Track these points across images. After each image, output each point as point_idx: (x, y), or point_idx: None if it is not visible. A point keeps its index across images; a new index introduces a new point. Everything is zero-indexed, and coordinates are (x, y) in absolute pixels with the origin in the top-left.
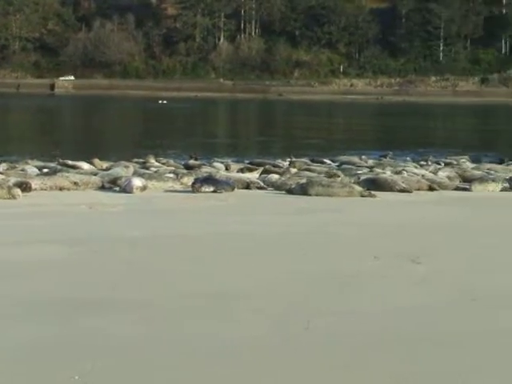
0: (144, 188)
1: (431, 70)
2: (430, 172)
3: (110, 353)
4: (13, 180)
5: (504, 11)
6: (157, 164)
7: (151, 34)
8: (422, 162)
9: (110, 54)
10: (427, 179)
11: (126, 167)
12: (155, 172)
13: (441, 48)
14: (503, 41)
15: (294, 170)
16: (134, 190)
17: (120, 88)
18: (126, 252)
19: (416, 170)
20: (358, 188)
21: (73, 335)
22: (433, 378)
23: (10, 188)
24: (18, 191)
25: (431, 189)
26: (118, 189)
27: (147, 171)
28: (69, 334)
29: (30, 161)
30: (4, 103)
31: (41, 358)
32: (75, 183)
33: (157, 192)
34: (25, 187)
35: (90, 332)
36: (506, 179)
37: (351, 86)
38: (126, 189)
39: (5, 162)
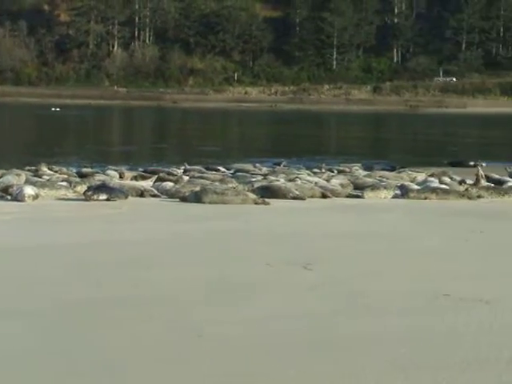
0: (36, 196)
1: (324, 79)
2: (323, 179)
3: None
4: None
5: (396, 20)
6: (49, 172)
7: (44, 41)
8: (316, 170)
9: (2, 61)
10: (320, 187)
11: (18, 175)
12: (48, 180)
13: (334, 56)
14: (395, 50)
15: (186, 178)
16: (26, 199)
17: (12, 95)
18: (14, 261)
19: (309, 178)
20: (252, 195)
21: None
22: (324, 381)
23: None
24: None
25: (324, 196)
26: (9, 197)
27: (39, 179)
28: None
29: None
30: None
31: None
32: None
33: (49, 200)
34: None
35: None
36: (398, 186)
37: (245, 93)
38: (18, 197)
39: None
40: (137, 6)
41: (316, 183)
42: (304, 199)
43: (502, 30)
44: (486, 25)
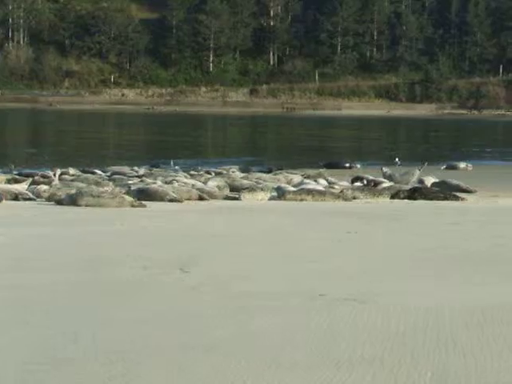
0: None
1: (202, 81)
2: (201, 182)
3: None
4: None
5: (272, 23)
6: None
7: None
8: (193, 172)
9: None
10: (197, 189)
11: None
12: None
13: (211, 59)
14: (271, 52)
15: (57, 182)
16: None
17: None
18: None
19: (186, 180)
20: (129, 198)
21: None
22: (198, 382)
23: None
24: None
25: (201, 198)
26: None
27: None
28: None
29: None
30: None
31: None
32: None
33: None
34: None
35: None
36: (274, 188)
37: (122, 95)
38: None
39: None
40: (10, 7)
41: (193, 185)
42: (181, 201)
43: (375, 33)
44: (360, 28)
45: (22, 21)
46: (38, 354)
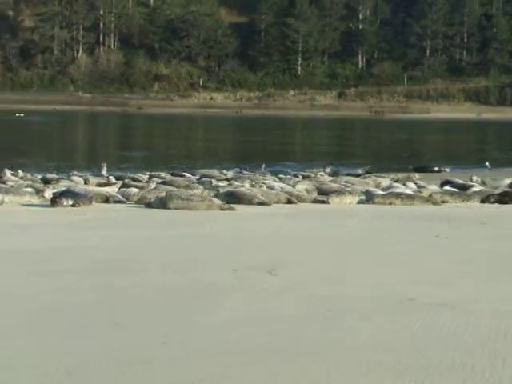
0: (1, 202)
1: (289, 84)
2: (289, 185)
3: None
4: None
5: (360, 26)
6: (13, 178)
7: (8, 46)
8: (281, 175)
9: None
10: (285, 192)
11: None
12: (12, 186)
13: (299, 62)
14: (360, 56)
15: (152, 184)
16: None
17: None
18: None
19: (275, 183)
20: (218, 201)
21: None
22: None
23: None
24: None
25: (289, 202)
26: None
27: (3, 185)
28: None
29: None
30: None
31: None
32: None
33: (14, 206)
34: None
35: None
36: (363, 192)
37: (211, 99)
38: None
39: None
40: (101, 12)
41: (281, 189)
42: (269, 205)
43: (465, 36)
44: (449, 31)
45: (112, 25)
46: (128, 355)
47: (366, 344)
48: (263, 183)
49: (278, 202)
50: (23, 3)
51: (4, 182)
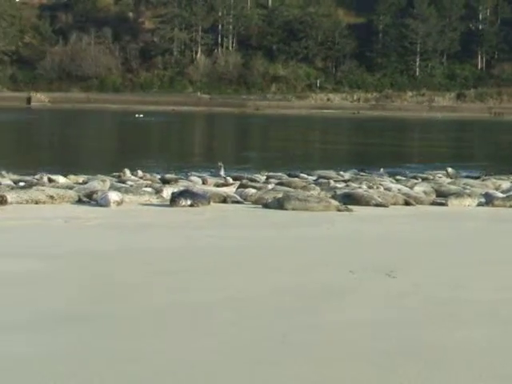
0: (120, 202)
1: (407, 85)
2: (406, 187)
3: (81, 365)
4: None
5: (480, 27)
6: (133, 178)
7: (128, 48)
8: (399, 177)
9: (87, 68)
10: (403, 194)
11: (103, 181)
12: (131, 186)
13: (417, 63)
14: (479, 56)
15: (269, 185)
16: (111, 204)
17: (97, 101)
18: (100, 266)
19: (392, 185)
20: (335, 202)
21: (47, 349)
22: None
23: None
24: None
25: (407, 203)
26: (94, 203)
27: (123, 185)
28: (45, 348)
29: (5, 174)
30: None
31: (18, 373)
32: (51, 197)
33: (133, 206)
34: (0, 201)
35: (62, 344)
36: (482, 194)
37: (328, 100)
38: (103, 203)
39: None
40: (220, 13)
41: (399, 190)
42: (387, 206)
43: None
44: None
45: (231, 27)
46: (246, 355)
47: (483, 351)
48: (380, 185)
49: (395, 204)
50: (143, 5)
51: (124, 182)
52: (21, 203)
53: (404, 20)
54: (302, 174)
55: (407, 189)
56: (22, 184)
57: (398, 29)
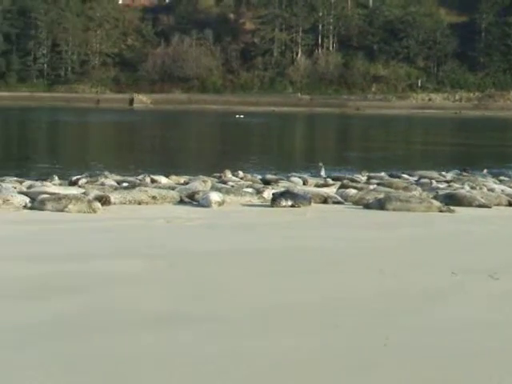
0: (222, 202)
1: (511, 84)
2: (510, 187)
3: (184, 366)
4: (93, 194)
5: None
6: (234, 178)
7: (229, 49)
8: (502, 178)
9: (188, 69)
10: (507, 195)
11: (204, 182)
12: (233, 186)
13: None
14: None
15: (371, 186)
16: (212, 205)
17: (198, 102)
18: (202, 266)
19: (495, 186)
20: (437, 203)
21: (146, 348)
22: None
23: (90, 202)
24: (97, 205)
25: (511, 204)
26: (195, 203)
27: (225, 186)
28: (143, 347)
29: (109, 175)
30: (84, 118)
31: (119, 372)
32: (154, 197)
33: (234, 206)
34: (104, 201)
35: (165, 345)
36: None
37: (429, 100)
38: (204, 203)
39: (85, 176)
40: (320, 14)
41: (502, 191)
42: (490, 207)
43: None
44: None
45: (331, 27)
46: (348, 357)
47: None
48: (483, 185)
49: (498, 205)
50: (244, 6)
51: (225, 183)
52: (124, 203)
53: (507, 18)
54: (404, 175)
55: (511, 190)
56: (125, 185)
57: (501, 27)
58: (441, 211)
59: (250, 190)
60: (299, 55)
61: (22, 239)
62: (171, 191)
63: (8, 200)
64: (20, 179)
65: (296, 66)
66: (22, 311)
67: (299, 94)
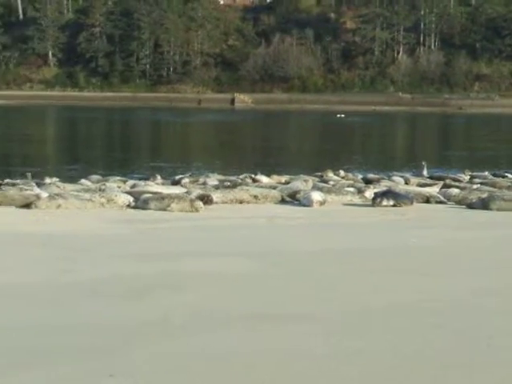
0: (323, 202)
1: None
2: None
3: (290, 365)
4: (195, 193)
5: None
6: (335, 178)
7: (330, 49)
8: None
9: (289, 69)
10: None
11: (305, 181)
12: (334, 186)
13: None
14: None
15: (474, 185)
16: (314, 204)
17: (298, 102)
18: (305, 265)
19: None
20: None
21: (252, 348)
22: None
23: (192, 201)
24: (200, 204)
25: None
26: (297, 202)
27: (326, 185)
28: (249, 347)
29: (211, 174)
30: (186, 118)
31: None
32: (255, 196)
33: (336, 205)
34: (206, 200)
35: (271, 345)
36: None
37: None
38: (305, 202)
39: (188, 175)
40: (422, 12)
41: None
42: None
43: None
44: None
45: (433, 25)
46: (451, 357)
47: None
48: None
49: None
50: (345, 5)
51: (326, 182)
52: (226, 203)
53: None
54: (508, 174)
55: None
56: (227, 184)
57: None
58: None
59: (351, 189)
60: (400, 54)
61: (128, 238)
62: (272, 190)
63: (112, 199)
64: (123, 179)
65: (397, 65)
66: (130, 310)
67: (400, 93)
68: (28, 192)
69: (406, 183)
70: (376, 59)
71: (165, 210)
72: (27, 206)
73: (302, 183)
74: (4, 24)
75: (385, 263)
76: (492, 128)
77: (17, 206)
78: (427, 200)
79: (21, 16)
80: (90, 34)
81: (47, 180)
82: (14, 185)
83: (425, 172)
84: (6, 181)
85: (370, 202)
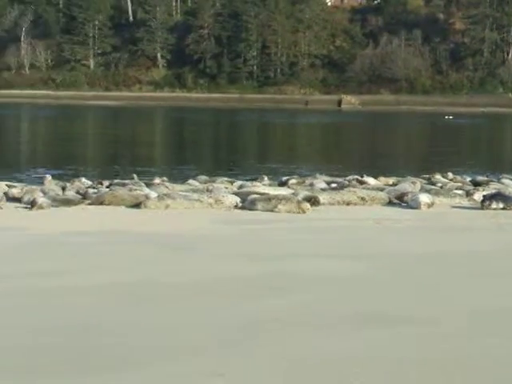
0: (431, 204)
1: None
2: None
3: (388, 368)
4: (302, 194)
5: None
6: (443, 180)
7: (438, 50)
8: None
9: (397, 70)
10: None
11: (413, 183)
12: (442, 188)
13: None
14: None
15: None
16: (421, 206)
17: (406, 103)
18: (412, 269)
19: None
20: None
21: (360, 348)
22: None
23: (299, 202)
24: (306, 205)
25: None
26: (404, 204)
27: (434, 187)
28: (356, 347)
29: (318, 176)
30: (293, 119)
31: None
32: (362, 198)
33: (444, 208)
34: (313, 201)
35: (375, 346)
36: None
37: None
38: (413, 204)
39: (295, 176)
40: None
41: None
42: None
43: None
44: None
45: None
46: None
47: None
48: None
49: None
50: (454, 6)
51: (434, 184)
52: (332, 204)
53: None
54: None
55: None
56: (333, 185)
57: None
58: None
59: (459, 191)
60: (510, 55)
61: (235, 239)
62: (380, 192)
63: (220, 200)
64: (231, 179)
65: (507, 66)
66: (241, 310)
67: (510, 95)
68: (137, 192)
69: None
70: (485, 60)
71: (272, 211)
72: (137, 205)
73: (410, 185)
74: (114, 26)
75: (496, 267)
76: None
77: (127, 206)
78: None
79: (131, 18)
80: (198, 35)
81: (156, 180)
82: (123, 185)
83: None
84: (116, 181)
85: (479, 205)
